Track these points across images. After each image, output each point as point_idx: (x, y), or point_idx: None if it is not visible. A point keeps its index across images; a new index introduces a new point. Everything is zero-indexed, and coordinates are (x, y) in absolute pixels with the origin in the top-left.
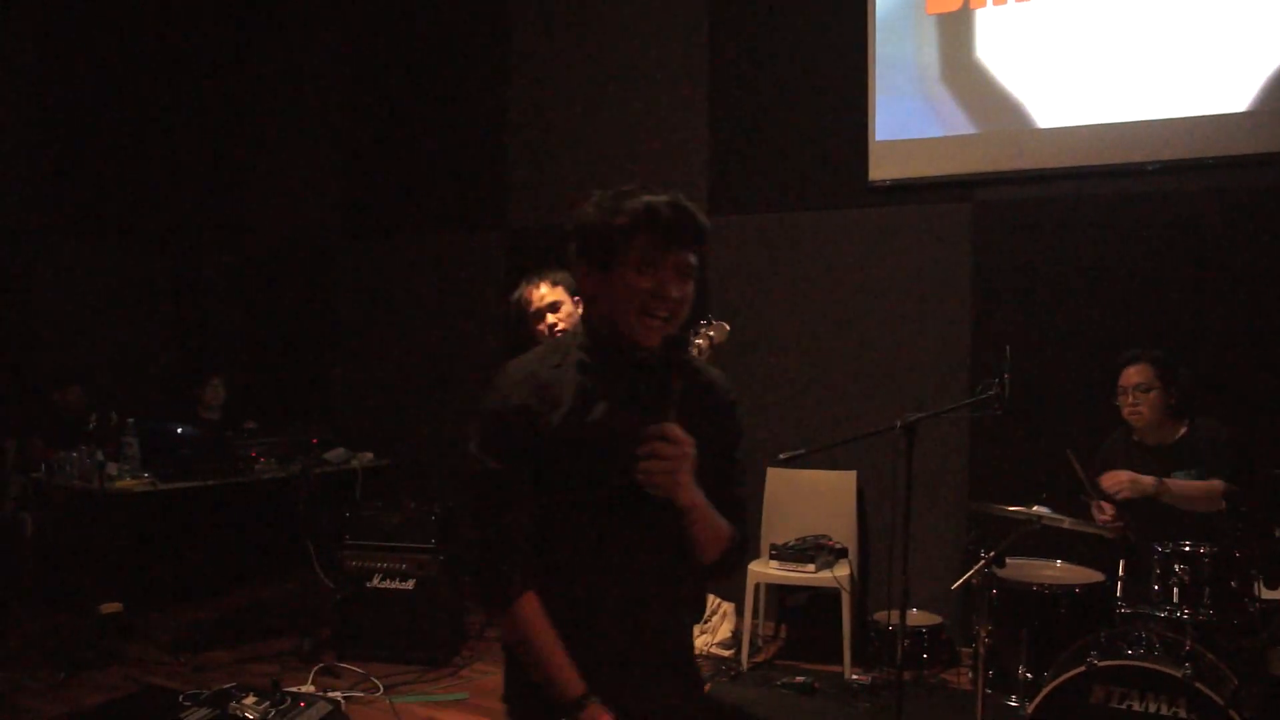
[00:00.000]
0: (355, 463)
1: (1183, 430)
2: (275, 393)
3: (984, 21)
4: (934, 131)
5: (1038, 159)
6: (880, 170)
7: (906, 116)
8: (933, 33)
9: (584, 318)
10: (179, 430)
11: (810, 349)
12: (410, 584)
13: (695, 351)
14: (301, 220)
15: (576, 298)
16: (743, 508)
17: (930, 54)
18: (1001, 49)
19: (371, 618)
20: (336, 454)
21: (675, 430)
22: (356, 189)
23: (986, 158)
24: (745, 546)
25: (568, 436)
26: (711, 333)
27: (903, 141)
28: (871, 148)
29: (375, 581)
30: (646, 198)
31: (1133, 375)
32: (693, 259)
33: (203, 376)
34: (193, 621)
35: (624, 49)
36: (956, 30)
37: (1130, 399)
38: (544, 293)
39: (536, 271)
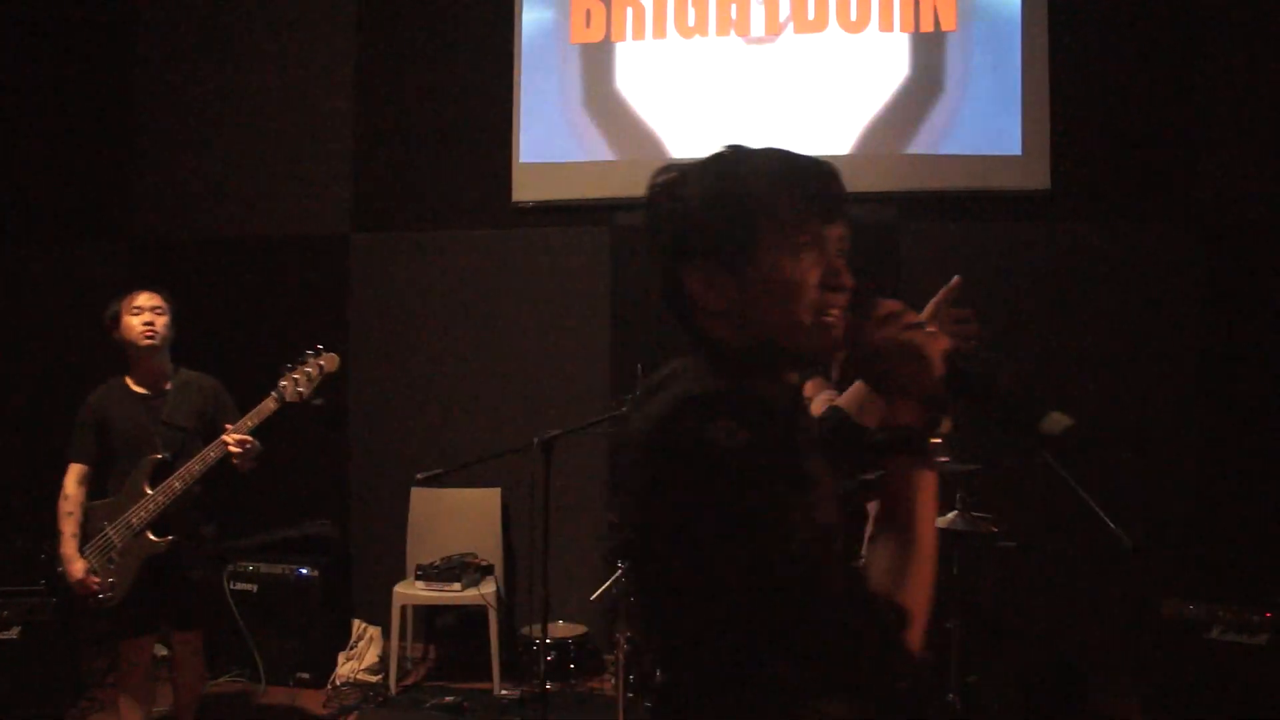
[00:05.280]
0: None
1: None
2: None
3: (623, 54)
4: (576, 156)
5: None
6: (523, 192)
7: (550, 140)
8: (576, 61)
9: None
10: None
11: (453, 368)
12: (14, 632)
13: (303, 379)
14: None
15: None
16: None
17: (573, 81)
18: (639, 81)
19: None
20: None
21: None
22: None
23: (625, 184)
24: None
25: None
26: (321, 361)
27: (546, 165)
28: (515, 169)
29: None
30: None
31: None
32: None
33: None
34: None
35: (268, 58)
36: (598, 60)
37: None
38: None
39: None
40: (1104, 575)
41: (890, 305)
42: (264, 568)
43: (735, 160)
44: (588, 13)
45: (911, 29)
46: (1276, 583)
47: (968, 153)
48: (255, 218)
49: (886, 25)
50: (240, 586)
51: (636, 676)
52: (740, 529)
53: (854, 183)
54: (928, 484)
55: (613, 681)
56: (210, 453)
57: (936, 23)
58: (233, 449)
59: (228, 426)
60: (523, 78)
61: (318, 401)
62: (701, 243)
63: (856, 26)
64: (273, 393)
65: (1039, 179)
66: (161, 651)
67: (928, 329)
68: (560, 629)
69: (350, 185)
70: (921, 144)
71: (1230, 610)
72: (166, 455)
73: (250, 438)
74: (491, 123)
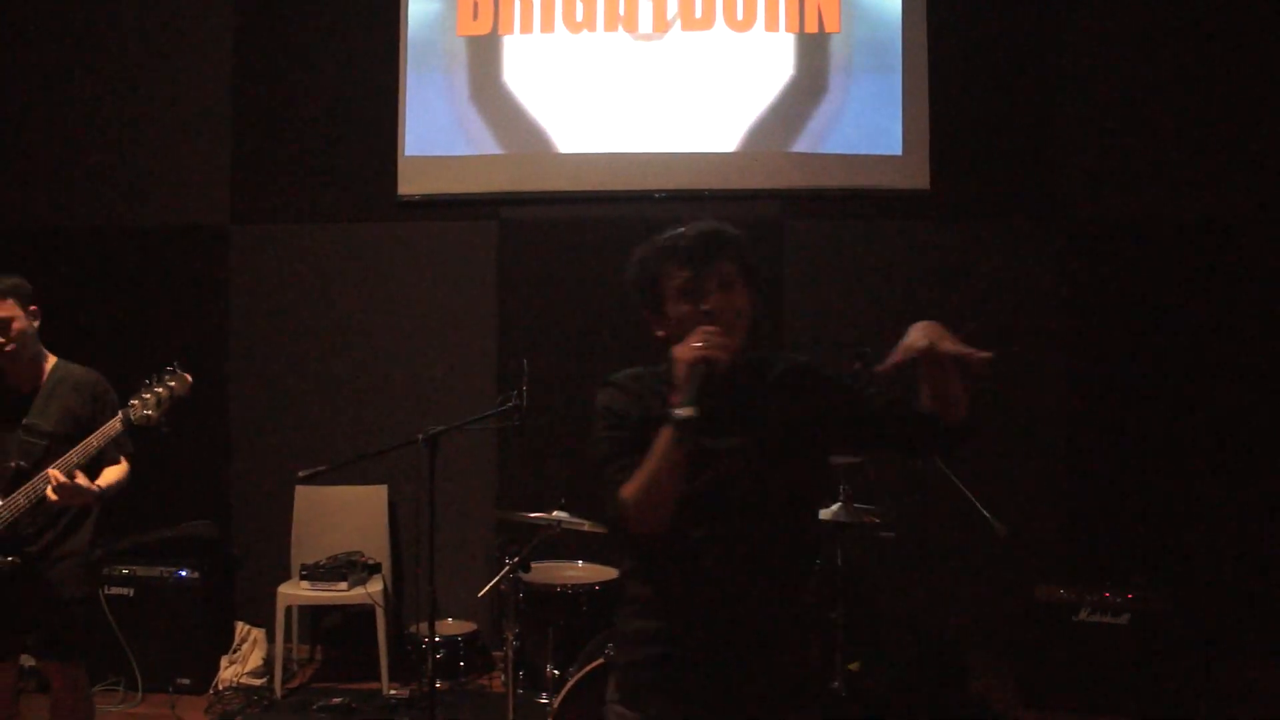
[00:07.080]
0: None
1: None
2: None
3: (511, 48)
4: (462, 150)
5: (559, 182)
6: (409, 185)
7: (436, 134)
8: (463, 54)
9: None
10: None
11: (337, 363)
12: None
13: (152, 401)
14: None
15: (33, 306)
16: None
17: (460, 74)
18: (527, 76)
19: None
20: None
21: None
22: None
23: (512, 178)
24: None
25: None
26: (172, 383)
27: (432, 158)
28: (401, 162)
29: None
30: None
31: None
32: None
33: None
34: None
35: (144, 41)
36: (485, 54)
37: None
38: None
39: None
40: (980, 563)
41: (701, 332)
42: (140, 571)
43: (648, 245)
44: (475, 5)
45: (796, 29)
46: (1138, 567)
47: (850, 152)
48: (131, 207)
49: (772, 25)
50: (115, 591)
51: (525, 673)
52: (596, 451)
53: (739, 180)
54: (665, 437)
55: (502, 678)
56: (38, 484)
57: (820, 24)
58: (49, 495)
59: (51, 471)
60: (409, 70)
61: (165, 429)
62: (638, 297)
63: (743, 26)
64: (120, 412)
65: (918, 179)
66: (29, 661)
67: (691, 343)
68: (449, 627)
69: (228, 175)
70: (805, 143)
71: (1096, 593)
72: (23, 463)
73: (74, 482)
74: (377, 114)
